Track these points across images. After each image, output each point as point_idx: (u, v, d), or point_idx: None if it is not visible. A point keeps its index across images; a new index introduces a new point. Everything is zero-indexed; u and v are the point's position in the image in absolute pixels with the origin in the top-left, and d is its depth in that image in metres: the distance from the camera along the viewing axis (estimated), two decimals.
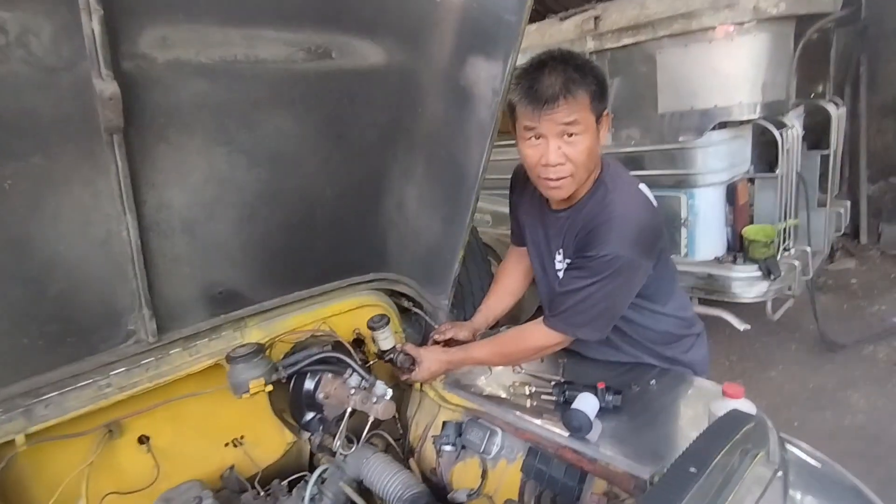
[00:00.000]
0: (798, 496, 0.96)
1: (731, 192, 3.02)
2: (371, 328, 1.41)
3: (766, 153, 3.08)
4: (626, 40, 2.92)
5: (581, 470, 1.09)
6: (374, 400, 1.24)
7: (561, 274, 1.28)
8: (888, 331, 3.32)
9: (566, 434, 1.13)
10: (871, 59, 4.38)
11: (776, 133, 2.76)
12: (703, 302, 3.07)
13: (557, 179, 1.12)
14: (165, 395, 1.24)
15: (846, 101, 4.39)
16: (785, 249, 3.00)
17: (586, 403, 1.13)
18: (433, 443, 1.34)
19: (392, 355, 1.40)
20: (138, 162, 1.01)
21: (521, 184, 1.37)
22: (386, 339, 1.41)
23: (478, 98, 1.28)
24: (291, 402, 1.40)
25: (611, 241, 1.11)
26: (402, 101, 1.33)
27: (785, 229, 2.96)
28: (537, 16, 3.19)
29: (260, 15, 1.03)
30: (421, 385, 1.47)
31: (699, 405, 1.19)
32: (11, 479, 1.07)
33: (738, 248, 3.03)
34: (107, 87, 0.87)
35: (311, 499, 1.23)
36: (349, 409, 1.27)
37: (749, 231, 2.95)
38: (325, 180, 1.36)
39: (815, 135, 3.39)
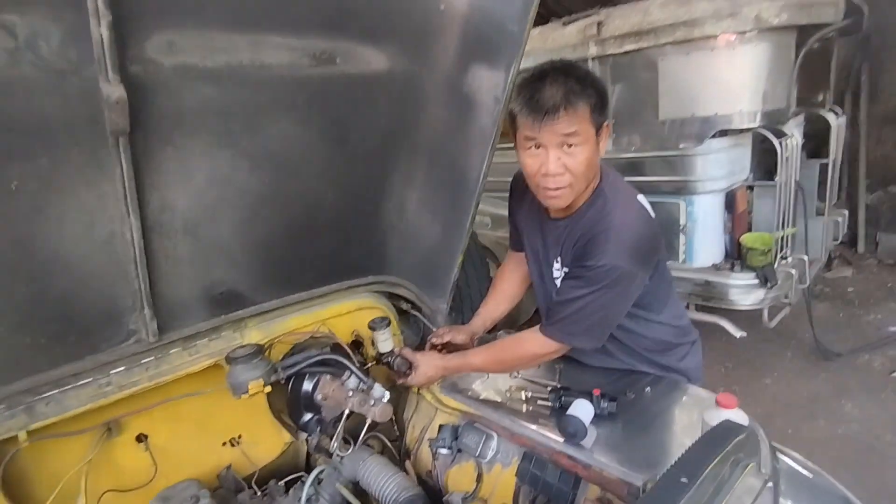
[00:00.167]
0: None
1: (730, 200, 3.04)
2: (372, 329, 1.42)
3: (765, 161, 3.09)
4: (629, 46, 2.93)
5: (575, 475, 1.10)
6: (372, 402, 1.25)
7: (558, 282, 1.29)
8: (884, 340, 3.34)
9: (561, 440, 1.14)
10: (873, 68, 4.40)
11: (776, 142, 2.78)
12: (700, 308, 3.09)
13: (556, 189, 1.13)
14: (164, 394, 1.25)
15: (846, 111, 4.41)
16: (782, 257, 3.02)
17: (581, 410, 1.15)
18: (429, 446, 1.35)
19: (390, 358, 1.42)
20: (143, 164, 1.02)
21: (520, 190, 1.38)
22: (385, 342, 1.43)
23: (480, 105, 1.29)
24: (290, 402, 1.41)
25: (609, 252, 1.12)
26: (405, 107, 1.34)
27: (782, 237, 2.98)
28: (540, 20, 3.20)
29: (266, 21, 1.04)
30: (418, 388, 1.48)
31: (693, 413, 1.20)
32: (14, 475, 1.08)
33: (735, 255, 3.06)
34: (114, 90, 0.88)
35: (308, 499, 1.24)
36: (347, 411, 1.28)
37: (747, 239, 2.97)
38: (326, 183, 1.37)
39: (815, 143, 3.42)
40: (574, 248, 1.21)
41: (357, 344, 1.55)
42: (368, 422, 1.27)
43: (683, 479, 0.73)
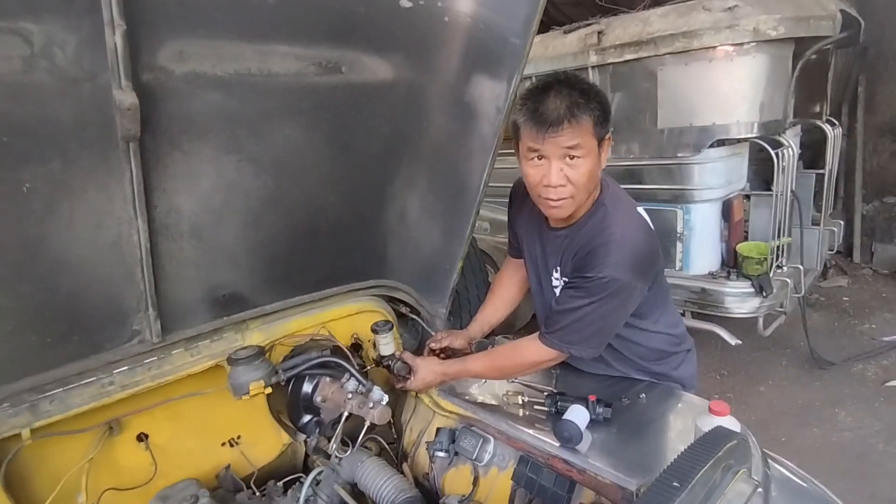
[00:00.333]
0: None
1: (727, 209, 3.07)
2: (375, 332, 1.44)
3: (762, 171, 3.13)
4: (629, 56, 2.96)
5: (570, 479, 1.12)
6: (371, 405, 1.27)
7: (557, 290, 1.30)
8: (878, 350, 3.37)
9: (557, 444, 1.16)
10: (870, 80, 4.45)
11: (772, 152, 2.81)
12: (695, 316, 3.11)
13: (558, 200, 1.13)
14: (166, 394, 1.26)
15: (843, 122, 4.46)
16: (778, 266, 3.04)
17: (577, 415, 1.17)
18: (427, 448, 1.37)
19: (390, 362, 1.43)
20: (151, 168, 1.04)
21: (521, 198, 1.39)
22: (387, 345, 1.45)
23: (481, 115, 1.32)
24: (289, 404, 1.43)
25: (609, 264, 1.12)
26: (408, 115, 1.37)
27: (778, 247, 3.00)
28: (541, 27, 3.23)
29: (274, 31, 1.07)
30: (416, 392, 1.50)
31: (687, 419, 1.22)
32: (16, 472, 1.09)
33: (731, 263, 3.08)
34: (126, 97, 0.90)
35: (306, 500, 1.25)
36: (345, 413, 1.30)
37: (743, 248, 2.99)
38: (329, 189, 1.40)
39: (812, 154, 3.45)
40: (574, 258, 1.22)
41: (356, 347, 1.56)
42: (367, 424, 1.28)
43: (675, 484, 0.75)
